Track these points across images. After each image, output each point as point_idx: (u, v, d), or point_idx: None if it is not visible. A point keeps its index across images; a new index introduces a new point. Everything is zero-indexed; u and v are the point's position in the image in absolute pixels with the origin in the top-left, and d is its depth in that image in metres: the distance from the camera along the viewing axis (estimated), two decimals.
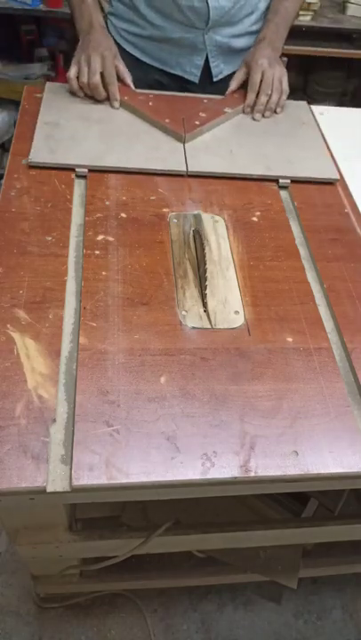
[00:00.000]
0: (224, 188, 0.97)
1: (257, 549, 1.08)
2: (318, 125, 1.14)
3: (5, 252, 0.79)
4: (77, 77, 1.04)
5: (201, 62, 1.19)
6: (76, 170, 0.92)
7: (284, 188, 0.98)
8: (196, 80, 1.21)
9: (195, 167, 0.96)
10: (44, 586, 1.12)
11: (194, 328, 0.73)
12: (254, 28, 1.19)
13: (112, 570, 1.00)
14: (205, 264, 0.79)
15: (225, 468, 0.59)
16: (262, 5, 1.18)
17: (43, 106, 1.04)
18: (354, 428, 0.65)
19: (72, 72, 1.04)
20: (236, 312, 0.76)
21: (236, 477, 0.59)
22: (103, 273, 0.78)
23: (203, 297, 0.77)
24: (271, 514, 1.12)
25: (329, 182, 1.01)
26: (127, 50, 1.21)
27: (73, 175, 0.93)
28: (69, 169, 0.93)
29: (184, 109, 1.07)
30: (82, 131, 1.00)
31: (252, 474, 0.59)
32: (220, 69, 1.21)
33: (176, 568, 1.18)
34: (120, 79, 1.08)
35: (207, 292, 0.77)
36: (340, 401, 0.67)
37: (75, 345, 0.69)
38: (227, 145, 1.03)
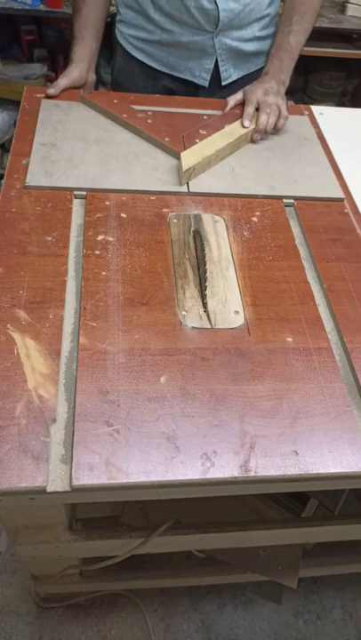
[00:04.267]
0: None
1: (257, 549, 1.08)
2: (323, 138, 1.13)
3: (5, 252, 0.79)
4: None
5: (210, 66, 1.19)
6: (75, 192, 0.90)
7: (288, 206, 0.96)
8: (206, 84, 1.21)
9: (196, 188, 0.94)
10: (44, 586, 1.12)
11: (194, 328, 0.73)
12: (264, 32, 1.20)
13: (112, 570, 1.00)
14: (205, 264, 0.79)
15: (225, 468, 0.59)
16: (272, 11, 1.18)
17: (38, 125, 1.02)
18: (354, 428, 0.65)
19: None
20: (236, 312, 0.76)
21: (236, 477, 0.59)
22: (103, 273, 0.78)
23: (203, 297, 0.77)
24: (271, 514, 1.12)
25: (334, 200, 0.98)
26: (136, 56, 1.21)
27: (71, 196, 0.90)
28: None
29: (184, 127, 1.06)
30: (79, 152, 0.98)
31: (252, 474, 0.59)
32: (228, 73, 1.22)
33: (176, 568, 1.18)
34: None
35: (207, 292, 0.77)
36: (340, 401, 0.67)
37: (75, 345, 0.70)
38: (228, 163, 1.01)
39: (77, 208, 0.89)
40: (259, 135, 1.06)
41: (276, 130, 1.08)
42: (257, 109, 1.06)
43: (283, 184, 0.98)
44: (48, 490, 0.56)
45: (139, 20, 1.17)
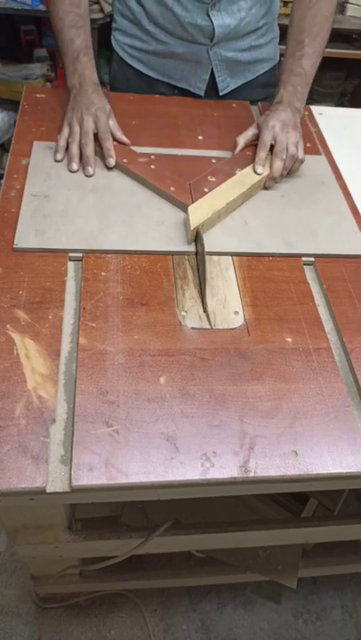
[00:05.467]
0: None
1: (257, 549, 1.08)
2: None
3: (5, 252, 0.79)
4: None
5: (206, 76, 1.17)
6: (70, 254, 0.80)
7: (308, 264, 0.86)
8: (202, 93, 1.20)
9: (205, 246, 0.83)
10: (43, 586, 1.13)
11: (193, 328, 0.73)
12: (261, 41, 1.18)
13: (112, 570, 1.00)
14: (205, 264, 0.79)
15: (224, 469, 0.59)
16: (269, 19, 1.16)
17: (30, 172, 0.91)
18: (353, 429, 0.65)
19: (64, 133, 0.95)
20: (236, 312, 0.76)
21: (235, 477, 0.59)
22: (103, 273, 0.78)
23: (202, 297, 0.77)
24: (271, 514, 1.12)
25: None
26: (132, 65, 1.20)
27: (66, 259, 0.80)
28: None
29: (190, 172, 0.95)
30: (75, 203, 0.87)
31: (252, 474, 0.59)
32: (226, 83, 1.20)
33: (176, 568, 1.18)
34: (115, 139, 0.97)
35: (207, 292, 0.77)
36: (340, 401, 0.67)
37: (74, 345, 0.70)
38: (240, 214, 0.90)
39: None
40: (273, 182, 0.96)
41: (290, 173, 0.98)
42: (271, 146, 0.95)
43: (302, 239, 0.88)
44: (48, 490, 0.56)
45: (134, 29, 1.15)
